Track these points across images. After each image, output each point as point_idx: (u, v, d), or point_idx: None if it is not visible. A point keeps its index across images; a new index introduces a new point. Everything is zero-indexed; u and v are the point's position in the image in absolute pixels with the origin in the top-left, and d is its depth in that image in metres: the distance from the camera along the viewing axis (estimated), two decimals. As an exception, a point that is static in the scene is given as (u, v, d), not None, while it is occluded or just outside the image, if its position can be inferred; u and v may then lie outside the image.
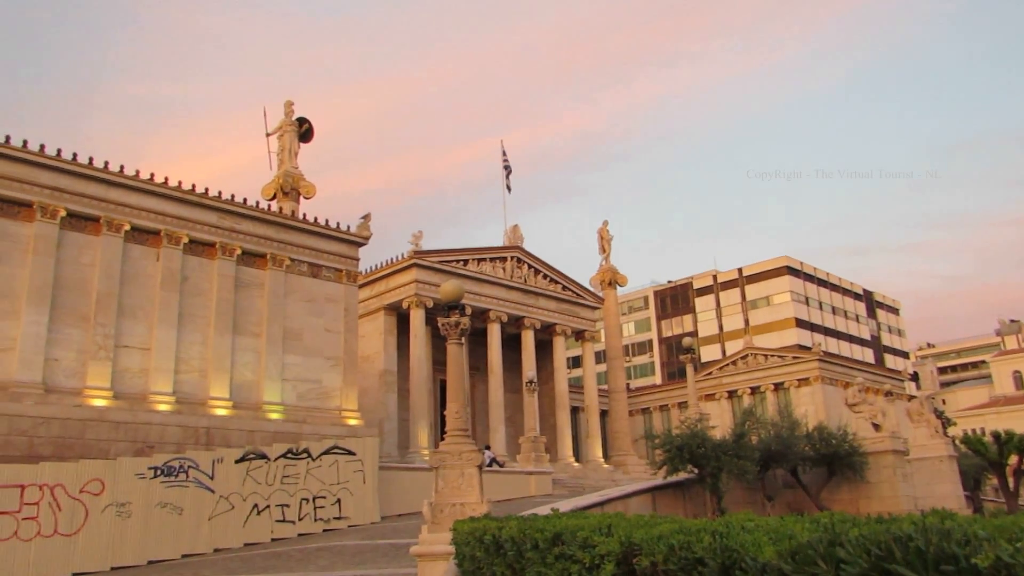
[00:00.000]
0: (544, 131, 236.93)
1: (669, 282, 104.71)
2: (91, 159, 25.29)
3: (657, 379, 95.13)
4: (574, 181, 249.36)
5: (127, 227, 25.75)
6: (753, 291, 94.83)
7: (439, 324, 14.47)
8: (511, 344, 47.16)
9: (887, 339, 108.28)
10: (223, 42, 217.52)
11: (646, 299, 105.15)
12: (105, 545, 20.85)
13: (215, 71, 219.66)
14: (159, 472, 22.28)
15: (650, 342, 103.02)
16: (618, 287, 53.63)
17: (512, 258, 47.55)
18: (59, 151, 24.66)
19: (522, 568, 5.48)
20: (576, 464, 46.04)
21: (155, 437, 24.40)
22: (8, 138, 23.76)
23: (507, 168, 54.33)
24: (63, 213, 24.51)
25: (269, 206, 31.46)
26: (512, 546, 5.56)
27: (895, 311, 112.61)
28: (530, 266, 48.49)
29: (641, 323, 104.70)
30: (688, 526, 4.30)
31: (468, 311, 14.83)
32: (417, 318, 42.08)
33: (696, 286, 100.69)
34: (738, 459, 24.75)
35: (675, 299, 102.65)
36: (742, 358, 62.55)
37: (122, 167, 25.91)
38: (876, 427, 30.56)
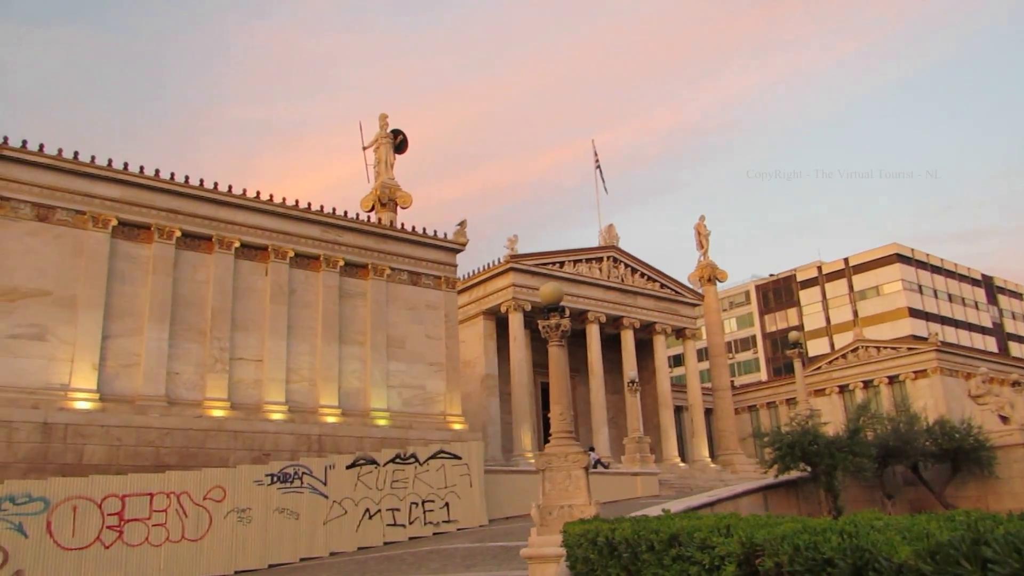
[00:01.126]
0: (635, 129, 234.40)
1: (771, 276, 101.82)
2: (201, 180, 26.55)
3: (762, 375, 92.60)
4: (667, 178, 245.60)
5: (237, 244, 26.90)
6: (861, 281, 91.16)
7: (540, 327, 14.48)
8: (610, 345, 46.84)
9: (1011, 326, 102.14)
10: (319, 63, 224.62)
11: (747, 294, 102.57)
12: (228, 549, 21.74)
13: (313, 91, 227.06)
14: (276, 479, 23.10)
15: (753, 338, 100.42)
16: (718, 283, 52.49)
17: (608, 258, 47.22)
18: (172, 175, 26.01)
19: (638, 570, 5.40)
20: (682, 464, 45.28)
21: (270, 445, 25.36)
22: (126, 164, 25.20)
23: (599, 167, 54.05)
24: (178, 233, 25.81)
25: (368, 217, 32.29)
26: (627, 548, 5.49)
27: (1018, 296, 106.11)
28: (627, 265, 48.03)
29: (743, 319, 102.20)
30: (812, 525, 4.14)
31: (567, 313, 14.78)
32: (516, 322, 42.28)
33: (800, 278, 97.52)
34: (854, 456, 23.80)
35: (778, 293, 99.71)
36: (852, 351, 60.09)
37: (230, 187, 27.13)
38: (1004, 419, 28.86)
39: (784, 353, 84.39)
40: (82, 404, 22.68)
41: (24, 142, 23.54)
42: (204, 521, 21.51)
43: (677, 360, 62.77)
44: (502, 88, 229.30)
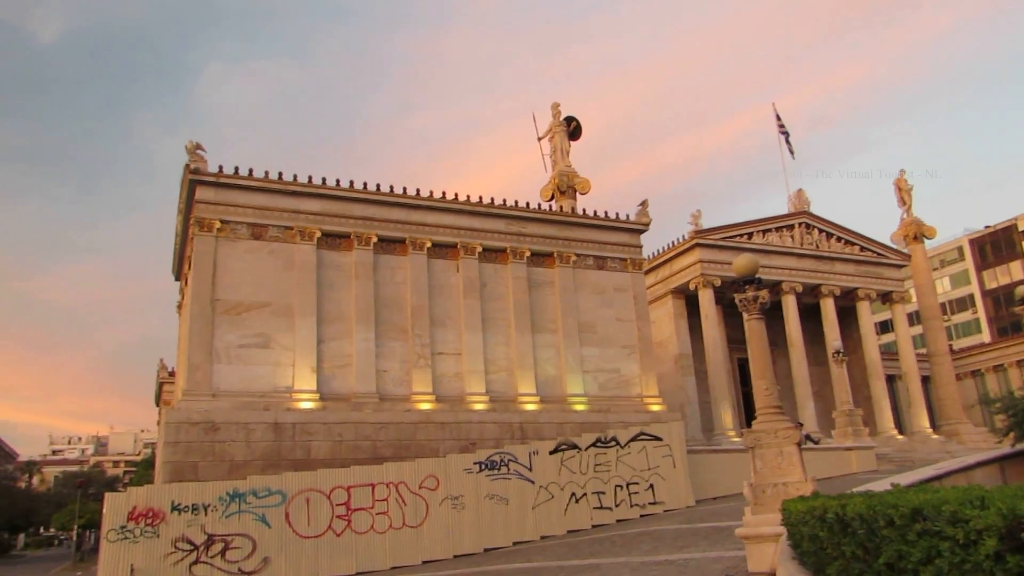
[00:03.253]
0: (817, 89, 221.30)
1: (986, 227, 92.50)
2: (391, 187, 28.02)
3: (984, 337, 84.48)
4: (857, 136, 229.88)
5: (428, 244, 28.13)
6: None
7: (736, 300, 14.02)
8: (809, 315, 44.56)
9: None
10: (487, 64, 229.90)
11: (960, 250, 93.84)
12: (446, 535, 22.79)
13: (483, 92, 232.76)
14: (483, 466, 23.93)
15: (970, 297, 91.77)
16: (925, 240, 48.61)
17: (800, 224, 44.91)
18: (365, 184, 27.62)
19: (876, 547, 5.09)
20: (899, 436, 42.32)
21: (475, 434, 26.33)
22: (324, 180, 27.02)
23: (783, 132, 51.44)
24: (375, 239, 27.36)
25: (550, 206, 32.69)
26: (861, 524, 5.19)
27: None
28: (821, 230, 45.45)
29: (957, 277, 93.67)
30: (1084, 494, 3.71)
31: (764, 284, 14.19)
32: (706, 298, 41.24)
33: (1022, 228, 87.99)
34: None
35: (996, 245, 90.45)
36: (1094, 303, 53.51)
37: (418, 190, 28.40)
38: None
39: (1010, 311, 76.56)
40: (305, 404, 24.61)
41: (236, 168, 25.83)
42: (422, 509, 22.66)
43: (885, 326, 58.63)
44: (670, 64, 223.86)
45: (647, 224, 32.28)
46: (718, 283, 41.03)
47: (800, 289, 43.17)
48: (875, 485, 16.10)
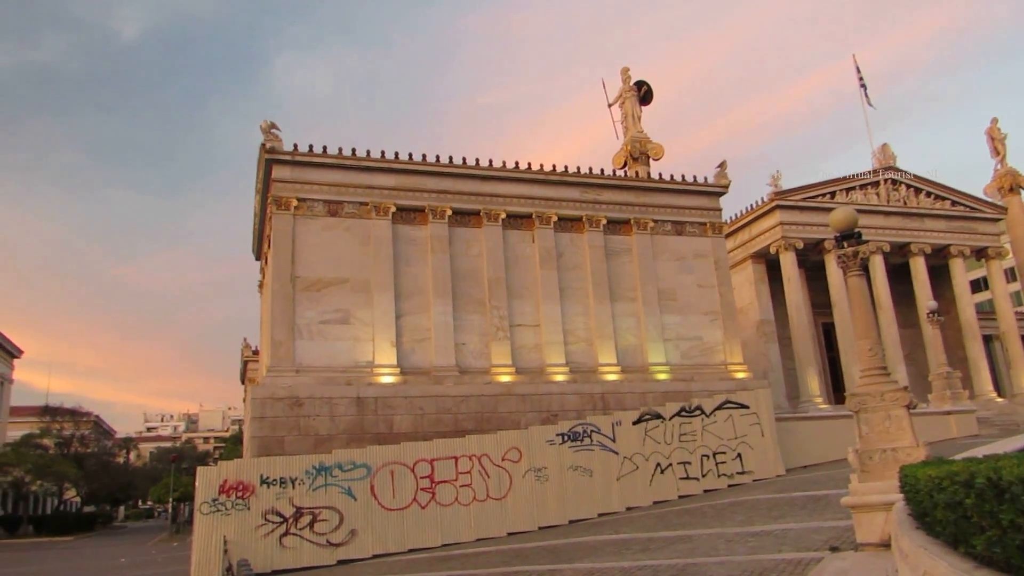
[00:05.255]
0: (895, 41, 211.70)
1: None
2: (464, 159, 27.73)
3: (1089, 294, 79.88)
4: (942, 87, 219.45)
5: (503, 215, 27.76)
6: None
7: (836, 256, 13.24)
8: (897, 276, 42.70)
9: None
10: (555, 38, 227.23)
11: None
12: (530, 507, 22.65)
13: (550, 66, 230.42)
14: (566, 438, 23.66)
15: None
16: (1022, 192, 45.90)
17: (886, 181, 42.92)
18: (437, 157, 27.37)
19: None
20: (999, 399, 40.35)
21: (556, 406, 26.03)
22: (396, 154, 26.89)
23: (863, 85, 49.16)
24: (449, 212, 27.14)
25: (624, 172, 31.89)
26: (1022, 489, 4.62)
27: None
28: (908, 186, 43.34)
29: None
30: None
31: (863, 238, 13.34)
32: (788, 262, 39.88)
33: None
34: None
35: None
36: None
37: (491, 161, 28.09)
38: None
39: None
40: (386, 378, 24.69)
41: (310, 146, 25.91)
42: (505, 481, 22.55)
43: (979, 284, 55.93)
44: (739, 26, 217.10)
45: (726, 186, 31.23)
46: (800, 246, 39.66)
47: (888, 248, 41.35)
48: (984, 449, 15.17)
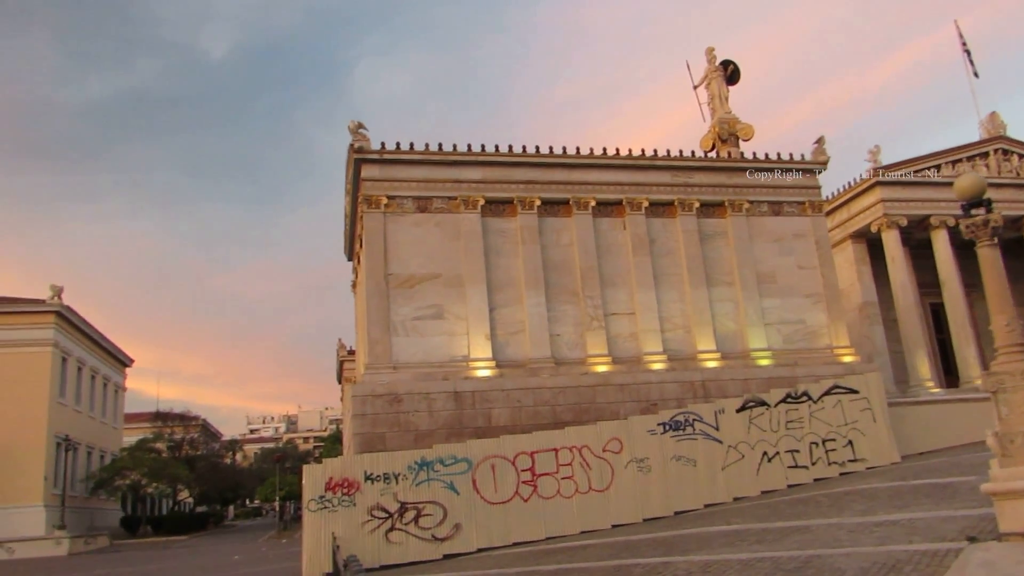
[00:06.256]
0: (1001, 4, 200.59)
1: None
2: (551, 148, 27.41)
3: None
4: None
5: (593, 203, 27.31)
6: None
7: (963, 227, 12.35)
8: (1009, 252, 40.15)
9: None
10: (630, 26, 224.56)
11: None
12: (633, 498, 22.17)
13: (628, 53, 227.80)
14: (667, 427, 23.09)
15: None
16: None
17: (996, 151, 40.41)
18: (523, 147, 27.17)
19: None
20: None
21: (655, 395, 25.45)
22: (483, 147, 26.80)
23: (967, 51, 46.46)
24: (538, 202, 26.87)
25: (716, 153, 30.97)
26: None
27: None
28: (1021, 155, 40.74)
29: None
30: None
31: (993, 206, 12.39)
32: (891, 240, 37.98)
33: None
34: None
35: None
36: None
37: (578, 149, 27.68)
38: None
39: None
40: (482, 372, 24.63)
41: (397, 144, 26.05)
42: (607, 472, 22.15)
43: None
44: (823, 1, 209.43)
45: (825, 162, 29.94)
46: (903, 223, 37.73)
47: (1000, 222, 38.90)
48: None
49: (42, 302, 46.17)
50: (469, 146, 26.67)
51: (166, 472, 54.52)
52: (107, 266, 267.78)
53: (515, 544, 20.59)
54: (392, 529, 20.05)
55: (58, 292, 46.41)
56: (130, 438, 62.01)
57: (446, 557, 20.08)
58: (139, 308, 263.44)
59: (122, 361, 62.90)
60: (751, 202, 28.91)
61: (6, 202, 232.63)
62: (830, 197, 40.66)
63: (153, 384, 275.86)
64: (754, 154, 29.91)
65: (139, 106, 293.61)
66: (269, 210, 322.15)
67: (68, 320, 48.07)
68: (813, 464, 24.11)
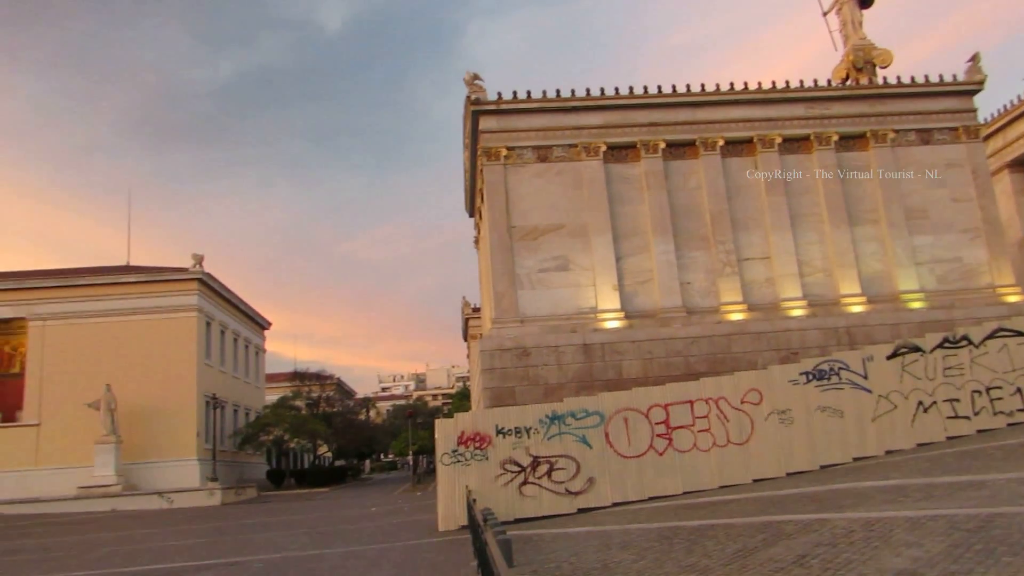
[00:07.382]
0: None
1: None
2: (674, 87, 26.03)
3: None
4: None
5: (721, 142, 25.86)
6: None
7: None
8: None
9: None
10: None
11: None
12: (775, 452, 21.02)
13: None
14: (811, 377, 21.68)
15: None
16: None
17: None
18: (645, 88, 25.94)
19: None
20: None
21: (795, 343, 24.06)
22: (602, 90, 25.75)
23: None
24: (663, 145, 25.65)
25: (857, 82, 28.65)
26: None
27: None
28: None
29: None
30: None
31: None
32: (1057, 167, 34.48)
33: None
34: None
35: None
36: None
37: (702, 86, 26.29)
38: None
39: None
40: (611, 323, 23.90)
41: (514, 93, 25.35)
42: (746, 425, 21.07)
43: None
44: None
45: (982, 82, 27.13)
46: (1077, 147, 34.14)
47: None
48: None
49: (185, 270, 48.56)
50: (588, 91, 25.67)
51: (306, 428, 56.81)
52: (243, 235, 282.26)
53: (651, 499, 19.95)
54: (525, 483, 19.79)
55: (199, 260, 48.64)
56: (271, 396, 65.07)
57: (580, 511, 19.69)
58: (274, 274, 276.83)
59: (260, 324, 65.77)
60: (896, 131, 26.60)
61: (153, 181, 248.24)
62: (985, 122, 37.28)
63: (290, 346, 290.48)
64: (898, 78, 27.47)
65: (264, 82, 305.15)
66: (390, 176, 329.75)
67: (209, 287, 50.44)
68: (976, 414, 22.15)
